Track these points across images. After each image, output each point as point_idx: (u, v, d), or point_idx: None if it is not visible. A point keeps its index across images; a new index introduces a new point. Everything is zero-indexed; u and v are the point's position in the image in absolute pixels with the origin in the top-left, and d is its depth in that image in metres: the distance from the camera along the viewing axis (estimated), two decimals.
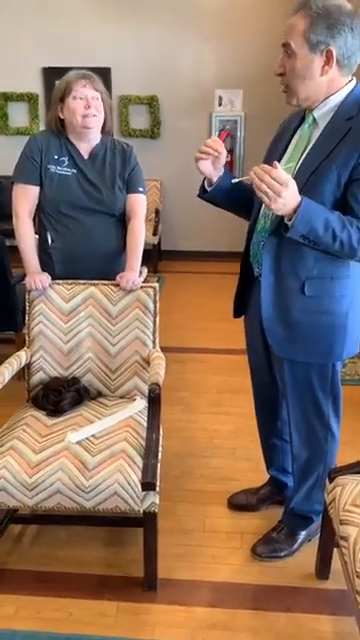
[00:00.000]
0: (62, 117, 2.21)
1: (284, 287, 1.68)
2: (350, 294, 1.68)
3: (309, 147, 1.62)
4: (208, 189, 1.80)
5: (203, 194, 1.83)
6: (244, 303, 1.94)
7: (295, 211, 1.48)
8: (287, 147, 1.71)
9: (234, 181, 1.75)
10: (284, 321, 1.71)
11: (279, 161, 1.70)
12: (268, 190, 1.44)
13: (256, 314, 1.78)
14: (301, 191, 1.51)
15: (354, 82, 1.60)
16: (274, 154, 1.74)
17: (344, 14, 1.48)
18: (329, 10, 1.48)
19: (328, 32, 1.48)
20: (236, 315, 1.99)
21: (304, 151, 1.63)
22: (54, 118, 2.22)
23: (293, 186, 1.46)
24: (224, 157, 1.72)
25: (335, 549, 1.79)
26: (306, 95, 1.58)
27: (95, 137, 2.25)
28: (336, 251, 1.55)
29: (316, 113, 1.61)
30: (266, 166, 1.46)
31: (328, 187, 1.54)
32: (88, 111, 2.14)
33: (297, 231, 1.50)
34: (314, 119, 1.62)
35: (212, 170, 1.74)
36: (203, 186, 1.82)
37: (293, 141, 1.70)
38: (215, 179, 1.75)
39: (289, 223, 1.51)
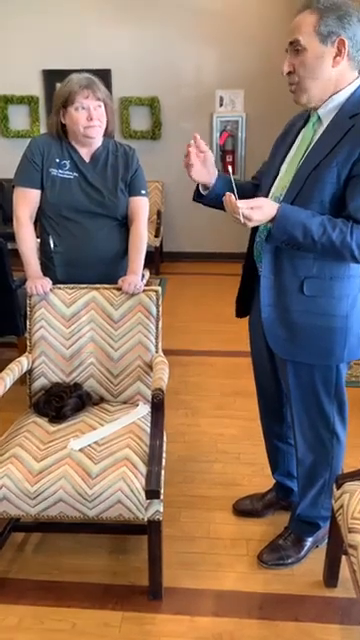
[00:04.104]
0: (64, 122, 2.19)
1: (283, 286, 1.66)
2: (352, 295, 1.65)
3: (312, 145, 1.60)
4: (204, 193, 1.78)
5: (199, 198, 1.81)
6: (247, 303, 1.92)
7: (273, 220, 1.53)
8: (292, 146, 1.70)
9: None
10: (284, 322, 1.69)
11: (283, 159, 1.71)
12: (240, 217, 1.50)
13: (259, 317, 1.76)
14: (301, 189, 1.54)
15: None
16: (278, 153, 1.74)
17: (352, 6, 1.50)
18: (337, 3, 1.49)
19: (339, 22, 1.48)
20: (238, 315, 1.96)
21: (307, 149, 1.61)
22: (56, 123, 2.20)
23: (265, 204, 1.52)
24: (210, 155, 1.73)
25: (343, 556, 1.76)
26: (316, 91, 1.56)
27: (97, 141, 2.23)
28: (325, 255, 1.55)
29: (320, 111, 1.60)
30: (230, 204, 1.51)
31: (328, 185, 1.53)
32: (90, 122, 2.13)
33: (276, 239, 1.57)
34: (318, 117, 1.61)
35: (206, 174, 1.75)
36: (198, 190, 1.80)
37: (297, 140, 1.69)
38: (212, 181, 1.75)
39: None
